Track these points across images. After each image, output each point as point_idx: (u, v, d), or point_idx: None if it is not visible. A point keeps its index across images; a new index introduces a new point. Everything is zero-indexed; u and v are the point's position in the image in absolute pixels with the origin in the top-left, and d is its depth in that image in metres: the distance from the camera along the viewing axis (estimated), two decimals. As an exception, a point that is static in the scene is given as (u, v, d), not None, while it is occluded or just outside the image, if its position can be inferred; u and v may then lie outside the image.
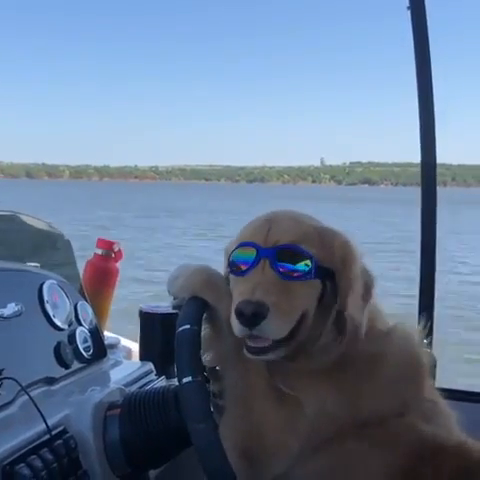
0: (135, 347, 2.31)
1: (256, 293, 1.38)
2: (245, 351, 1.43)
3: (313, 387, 1.45)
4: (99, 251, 2.38)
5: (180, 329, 1.40)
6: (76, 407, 1.55)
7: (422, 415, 1.51)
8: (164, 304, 2.17)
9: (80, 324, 1.91)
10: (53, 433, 1.42)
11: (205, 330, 1.49)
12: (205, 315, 1.48)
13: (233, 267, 1.49)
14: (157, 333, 2.17)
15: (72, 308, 1.90)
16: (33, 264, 2.02)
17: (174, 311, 1.58)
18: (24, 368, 1.59)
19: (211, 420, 1.32)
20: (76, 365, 1.81)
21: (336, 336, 1.47)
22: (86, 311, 1.98)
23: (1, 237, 2.18)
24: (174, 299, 1.56)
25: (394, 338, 1.54)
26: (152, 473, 1.69)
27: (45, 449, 1.38)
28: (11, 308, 1.64)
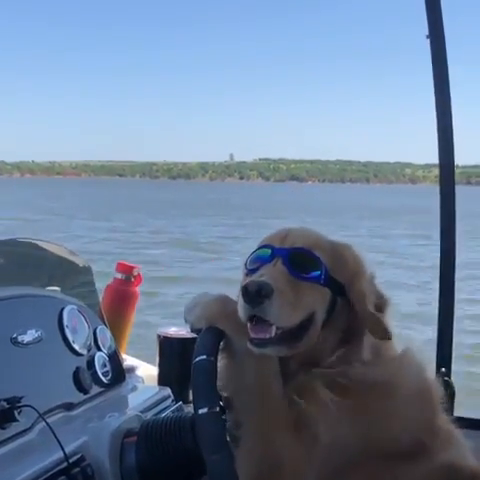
0: (154, 371, 2.32)
1: (263, 277, 1.45)
2: (248, 345, 1.44)
3: (329, 414, 1.44)
4: (119, 275, 2.41)
5: (197, 359, 1.41)
6: (94, 434, 1.56)
7: (438, 445, 1.50)
8: (182, 328, 2.19)
9: (99, 349, 1.93)
10: (71, 461, 1.43)
11: (222, 360, 1.50)
12: (222, 345, 1.50)
13: (248, 269, 1.57)
14: (175, 358, 2.19)
15: (91, 333, 1.92)
16: (53, 288, 2.05)
17: (192, 336, 1.60)
18: (43, 394, 1.61)
19: (226, 451, 1.33)
20: (95, 390, 1.83)
21: (345, 351, 1.50)
22: (105, 336, 2.00)
23: (22, 263, 2.21)
24: (191, 328, 1.57)
25: (405, 365, 1.55)
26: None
27: (63, 477, 1.40)
28: (31, 334, 1.67)
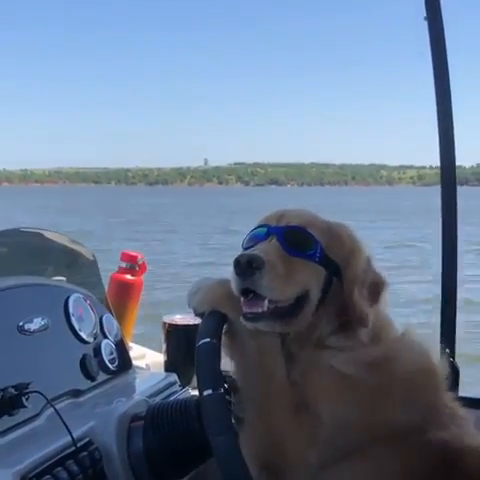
0: (160, 358, 2.34)
1: (256, 251, 1.47)
2: (241, 319, 1.47)
3: (330, 393, 1.46)
4: (123, 264, 2.43)
5: (200, 342, 1.43)
6: (101, 419, 1.58)
7: (440, 423, 1.51)
8: (187, 315, 2.21)
9: (105, 337, 1.95)
10: (78, 445, 1.46)
11: (225, 343, 1.52)
12: (225, 328, 1.51)
13: (244, 247, 1.58)
14: (181, 345, 2.21)
15: (97, 321, 1.94)
16: (59, 278, 2.07)
17: (197, 323, 1.61)
18: (51, 381, 1.64)
19: (231, 432, 1.34)
20: (102, 377, 1.85)
21: (342, 331, 1.51)
22: (111, 324, 2.02)
23: (28, 253, 2.23)
24: (194, 312, 1.59)
25: (405, 345, 1.56)
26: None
27: (71, 461, 1.42)
28: (37, 323, 1.69)
